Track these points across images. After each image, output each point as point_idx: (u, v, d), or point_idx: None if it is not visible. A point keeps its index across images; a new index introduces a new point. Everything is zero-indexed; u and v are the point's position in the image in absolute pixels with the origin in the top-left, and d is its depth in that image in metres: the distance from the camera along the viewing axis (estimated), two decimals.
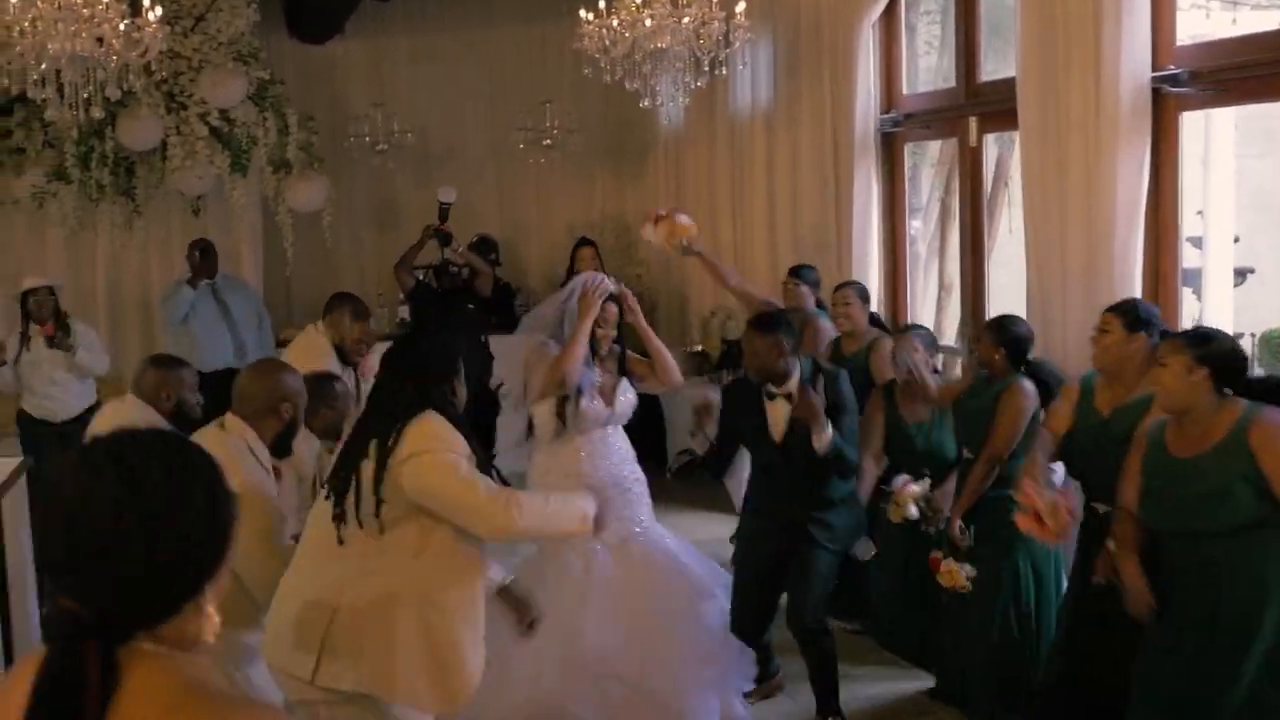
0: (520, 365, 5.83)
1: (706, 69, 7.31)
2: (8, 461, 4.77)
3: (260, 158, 9.20)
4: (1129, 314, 4.61)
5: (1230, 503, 3.88)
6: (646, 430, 9.94)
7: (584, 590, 5.42)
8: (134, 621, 1.69)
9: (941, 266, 9.04)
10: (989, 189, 7.81)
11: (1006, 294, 7.14)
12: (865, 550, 5.56)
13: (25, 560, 4.80)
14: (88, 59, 6.67)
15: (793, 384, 5.22)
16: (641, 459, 9.84)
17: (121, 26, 6.75)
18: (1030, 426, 5.14)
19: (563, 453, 5.64)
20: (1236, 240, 7.83)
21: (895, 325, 8.02)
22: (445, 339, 3.99)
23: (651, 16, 7.11)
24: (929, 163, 8.84)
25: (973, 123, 7.05)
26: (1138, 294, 5.48)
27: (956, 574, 5.16)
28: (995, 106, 6.75)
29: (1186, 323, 6.02)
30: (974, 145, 7.08)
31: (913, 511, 5.53)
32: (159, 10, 6.85)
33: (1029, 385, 5.19)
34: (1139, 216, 5.54)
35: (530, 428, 5.80)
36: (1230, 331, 4.89)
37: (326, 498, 3.76)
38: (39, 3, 6.57)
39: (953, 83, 7.48)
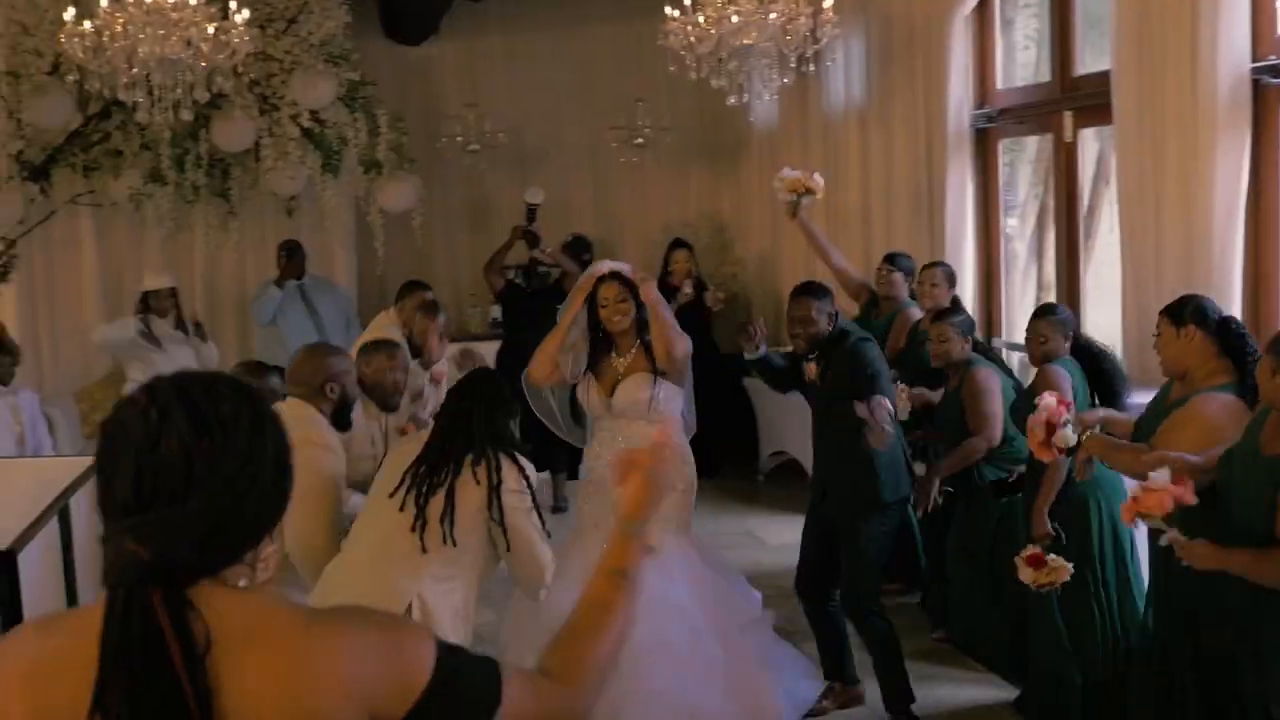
0: None
1: (793, 65, 7.22)
2: (79, 460, 4.80)
3: (351, 158, 9.26)
4: (1172, 311, 4.46)
5: None
6: (738, 431, 9.89)
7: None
8: (199, 567, 1.65)
9: (1040, 266, 8.80)
10: (1089, 186, 7.59)
11: (1105, 294, 6.92)
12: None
13: (94, 559, 4.84)
14: (176, 62, 6.77)
15: None
16: (732, 460, 9.91)
17: (210, 30, 6.84)
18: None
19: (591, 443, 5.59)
20: None
21: (989, 326, 7.85)
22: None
23: (738, 13, 7.03)
24: (1027, 160, 8.61)
25: (1067, 118, 6.85)
26: (1237, 297, 5.30)
27: (1061, 569, 4.94)
28: (1091, 101, 6.54)
29: None
30: (1069, 141, 6.88)
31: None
32: (246, 13, 6.91)
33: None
34: (1238, 213, 5.32)
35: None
36: None
37: (400, 509, 3.82)
38: (129, 7, 6.67)
39: (1047, 77, 7.28)
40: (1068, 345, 5.32)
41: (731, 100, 7.42)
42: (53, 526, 4.68)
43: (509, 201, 10.47)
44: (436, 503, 3.77)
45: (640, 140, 10.54)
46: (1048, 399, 4.53)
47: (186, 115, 7.04)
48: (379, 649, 1.70)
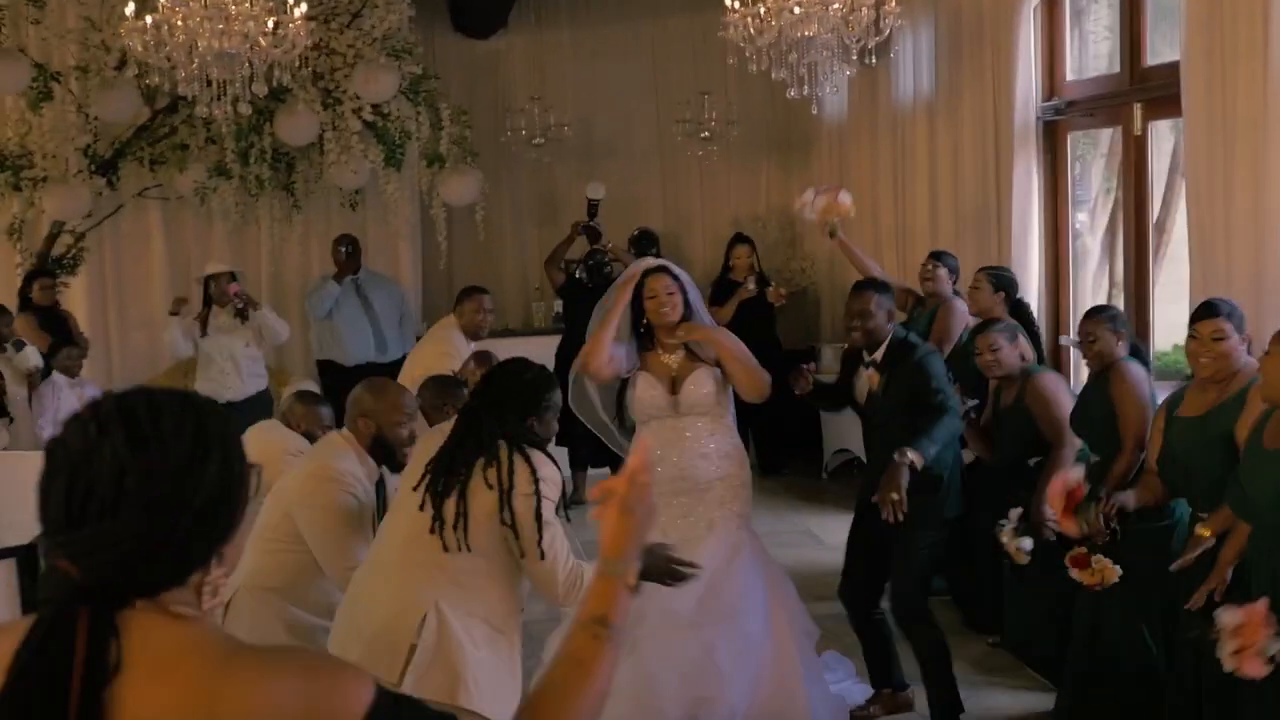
0: None
1: (856, 57, 7.08)
2: None
3: (414, 152, 9.26)
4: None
5: None
6: (803, 428, 9.77)
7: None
8: (132, 589, 1.58)
9: (1112, 264, 8.57)
10: (1163, 181, 7.38)
11: (1177, 291, 6.70)
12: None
13: None
14: (235, 56, 6.78)
15: (879, 353, 5.27)
16: (797, 458, 9.79)
17: (270, 24, 6.84)
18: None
19: (639, 441, 5.43)
20: None
21: (1056, 324, 7.66)
22: (541, 376, 3.95)
23: (799, 4, 6.90)
24: (1100, 153, 8.39)
25: (1137, 109, 6.65)
26: None
27: (1109, 569, 4.77)
28: (1161, 92, 6.34)
29: None
30: (1138, 133, 6.68)
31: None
32: (304, 7, 6.91)
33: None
34: None
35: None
36: None
37: (420, 508, 3.76)
38: (189, 1, 6.69)
39: (1117, 68, 7.08)
40: (1122, 345, 5.14)
41: (792, 93, 7.29)
42: None
43: (575, 195, 10.44)
44: (451, 505, 3.69)
45: (706, 134, 10.44)
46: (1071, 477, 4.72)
47: (245, 109, 7.05)
48: (298, 695, 1.57)
